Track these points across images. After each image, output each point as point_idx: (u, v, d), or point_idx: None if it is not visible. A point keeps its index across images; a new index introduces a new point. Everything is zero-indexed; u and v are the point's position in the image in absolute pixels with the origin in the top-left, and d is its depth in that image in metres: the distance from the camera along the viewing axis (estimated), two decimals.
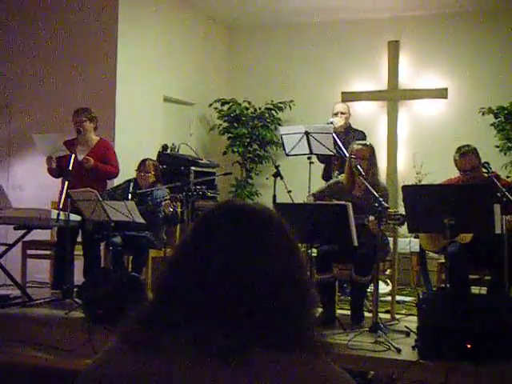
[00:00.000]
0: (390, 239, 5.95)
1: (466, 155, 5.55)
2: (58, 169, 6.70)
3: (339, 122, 7.31)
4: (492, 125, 8.42)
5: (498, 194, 4.93)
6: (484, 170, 5.40)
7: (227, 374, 1.23)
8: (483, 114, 8.44)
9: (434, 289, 5.83)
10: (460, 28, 9.18)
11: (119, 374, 1.27)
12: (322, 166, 7.43)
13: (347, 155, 6.13)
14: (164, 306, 1.31)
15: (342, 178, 6.06)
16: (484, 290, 5.59)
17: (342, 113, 7.40)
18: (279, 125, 9.20)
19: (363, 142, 6.01)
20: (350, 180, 5.89)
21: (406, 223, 5.20)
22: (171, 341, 1.26)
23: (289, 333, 1.27)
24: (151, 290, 1.38)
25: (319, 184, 6.53)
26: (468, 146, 5.64)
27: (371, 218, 5.35)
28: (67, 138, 6.70)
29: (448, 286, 5.07)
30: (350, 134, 7.25)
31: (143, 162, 6.83)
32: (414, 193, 5.19)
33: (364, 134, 7.30)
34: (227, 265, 1.28)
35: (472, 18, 9.12)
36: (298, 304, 1.30)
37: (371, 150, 5.89)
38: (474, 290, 5.63)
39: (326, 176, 7.19)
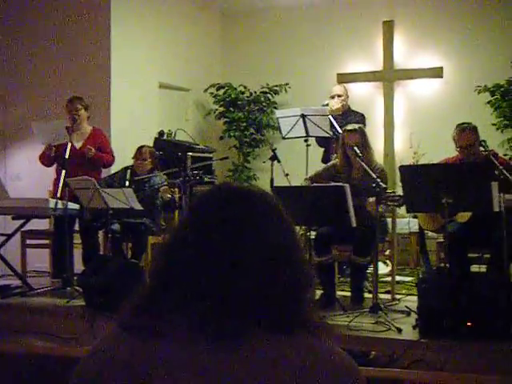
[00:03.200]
0: (389, 220, 5.95)
1: (464, 131, 5.55)
2: (52, 157, 6.70)
3: (335, 104, 7.27)
4: (488, 103, 8.40)
5: (496, 172, 4.93)
6: (481, 149, 5.40)
7: (225, 356, 1.23)
8: (479, 93, 8.41)
9: (434, 268, 5.83)
10: (454, 6, 9.13)
11: (118, 360, 1.27)
12: (321, 149, 7.41)
13: None
14: (160, 290, 1.31)
15: (336, 160, 6.05)
16: (484, 268, 5.60)
17: (338, 95, 7.36)
18: (275, 108, 9.17)
19: (351, 128, 5.91)
20: (345, 163, 5.88)
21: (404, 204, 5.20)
22: (169, 325, 1.27)
23: (286, 314, 1.28)
24: (148, 275, 1.38)
25: (317, 167, 6.52)
26: (468, 123, 5.63)
27: (370, 199, 5.34)
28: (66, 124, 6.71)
29: (447, 265, 5.07)
30: (348, 116, 7.20)
31: (140, 149, 6.82)
32: (411, 173, 5.19)
33: (363, 115, 7.26)
34: (223, 247, 1.28)
35: None
36: (294, 284, 1.30)
37: (361, 133, 5.84)
38: (474, 268, 5.63)
39: (326, 159, 7.17)
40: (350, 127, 5.93)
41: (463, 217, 5.39)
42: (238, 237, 1.29)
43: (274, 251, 1.30)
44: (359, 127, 5.94)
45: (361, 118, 7.09)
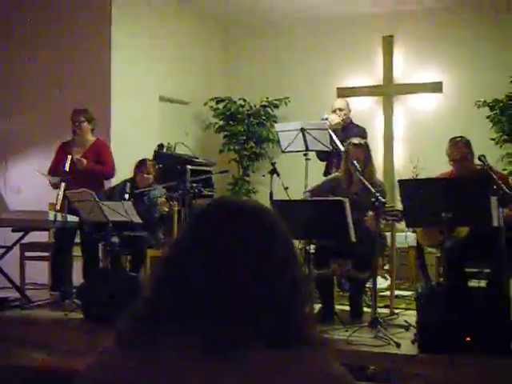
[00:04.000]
0: (388, 234, 5.96)
1: (457, 144, 5.58)
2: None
3: (336, 118, 7.26)
4: (487, 118, 8.41)
5: (494, 187, 4.93)
6: (479, 163, 5.40)
7: (223, 370, 1.23)
8: (478, 107, 8.43)
9: (433, 283, 5.83)
10: (454, 22, 9.17)
11: (116, 376, 1.27)
12: (320, 163, 7.40)
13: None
14: (160, 303, 1.32)
15: (338, 174, 6.06)
16: (484, 283, 5.59)
17: (340, 109, 7.35)
18: (275, 122, 9.18)
19: (357, 142, 5.94)
20: (347, 176, 5.89)
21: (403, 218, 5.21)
22: (168, 339, 1.27)
23: (285, 328, 1.28)
24: (147, 288, 1.39)
25: (316, 180, 6.52)
26: (461, 137, 5.66)
27: (370, 213, 5.35)
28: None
29: (446, 279, 5.07)
30: (350, 130, 7.18)
31: (143, 162, 6.82)
32: (410, 187, 5.19)
33: (364, 129, 7.26)
34: (221, 261, 1.29)
35: (465, 12, 9.10)
36: (292, 298, 1.31)
37: (365, 149, 5.87)
38: (474, 283, 5.62)
39: (328, 173, 7.17)
40: (355, 141, 5.95)
41: (461, 232, 5.39)
42: (237, 251, 1.30)
43: (272, 266, 1.31)
44: (364, 142, 5.98)
45: (362, 132, 7.09)
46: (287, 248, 1.37)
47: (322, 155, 7.21)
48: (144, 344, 1.28)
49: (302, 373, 1.24)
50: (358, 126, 7.38)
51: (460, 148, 5.56)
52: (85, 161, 6.64)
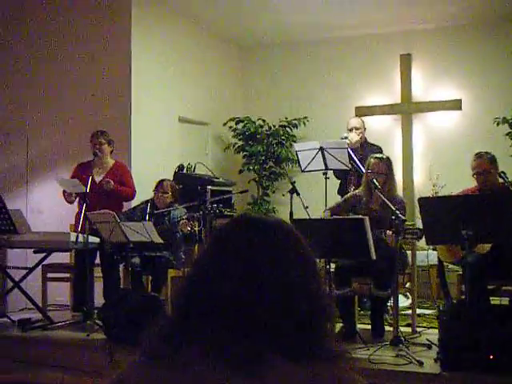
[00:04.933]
0: (409, 252, 5.93)
1: (481, 157, 5.60)
2: (75, 195, 6.77)
3: (354, 137, 7.29)
4: (507, 134, 8.38)
5: None
6: (500, 180, 5.39)
7: None
8: (498, 124, 8.41)
9: (454, 301, 5.79)
10: (471, 39, 9.18)
11: None
12: (338, 181, 7.42)
13: (363, 170, 6.15)
14: (184, 320, 1.33)
15: (359, 191, 6.06)
16: (503, 301, 5.55)
17: (356, 128, 7.39)
18: (294, 141, 9.21)
19: (379, 156, 5.99)
20: (368, 194, 5.89)
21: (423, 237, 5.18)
22: (192, 354, 1.28)
23: (307, 343, 1.29)
24: (171, 306, 1.40)
25: (335, 199, 6.53)
26: (486, 152, 5.67)
27: (389, 232, 5.33)
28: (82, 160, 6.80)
29: (468, 297, 5.04)
30: (366, 148, 7.23)
31: (161, 182, 6.87)
32: (430, 205, 5.17)
33: (380, 148, 7.27)
34: (244, 277, 1.30)
35: (482, 29, 9.12)
36: (312, 315, 1.31)
37: (388, 163, 5.89)
38: (493, 300, 5.58)
39: (342, 191, 7.19)
40: (378, 155, 5.99)
41: (483, 248, 5.36)
42: (259, 267, 1.31)
43: (294, 282, 1.32)
44: (387, 156, 5.99)
45: (378, 151, 7.10)
46: (309, 262, 1.38)
47: (338, 173, 7.21)
48: (169, 361, 1.29)
49: None
50: (373, 144, 7.40)
51: (483, 161, 5.57)
52: (112, 182, 6.71)
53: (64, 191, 6.80)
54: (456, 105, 9.17)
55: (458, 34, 9.22)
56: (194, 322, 1.31)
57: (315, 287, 1.36)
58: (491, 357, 4.27)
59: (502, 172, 5.40)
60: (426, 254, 7.56)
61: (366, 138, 7.46)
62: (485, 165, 5.57)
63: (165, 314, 1.40)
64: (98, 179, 6.82)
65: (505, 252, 5.18)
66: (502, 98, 8.86)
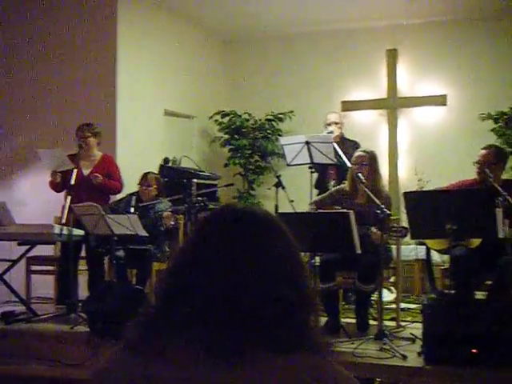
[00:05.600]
0: (393, 246, 5.95)
1: (487, 149, 5.64)
2: (61, 183, 6.72)
3: (335, 131, 7.33)
4: (492, 130, 8.42)
5: (500, 199, 4.94)
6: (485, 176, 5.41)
7: (228, 375, 1.24)
8: (483, 120, 8.45)
9: (439, 294, 5.81)
10: (457, 35, 9.21)
11: (125, 378, 1.28)
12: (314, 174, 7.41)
13: (347, 164, 6.16)
14: (166, 309, 1.33)
15: (344, 185, 6.08)
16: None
17: (335, 123, 7.42)
18: (280, 135, 9.20)
19: (364, 149, 6.04)
20: (353, 188, 5.91)
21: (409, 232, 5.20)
22: (174, 344, 1.28)
23: (288, 335, 1.28)
24: (153, 296, 1.40)
25: (320, 193, 6.54)
26: (496, 145, 5.73)
27: (374, 229, 5.35)
28: (68, 153, 6.74)
29: (452, 291, 5.06)
30: (344, 143, 7.27)
31: (145, 175, 6.86)
32: (415, 199, 5.19)
33: (357, 143, 7.29)
34: (228, 267, 1.30)
35: (469, 25, 9.15)
36: (297, 305, 1.31)
37: (372, 156, 5.91)
38: (478, 295, 5.61)
39: (320, 185, 7.20)
40: (362, 149, 6.07)
41: (473, 242, 5.38)
42: (242, 256, 1.31)
43: (278, 273, 1.32)
44: (371, 150, 6.01)
45: (356, 146, 7.10)
46: (294, 253, 1.38)
47: (317, 166, 7.16)
48: (151, 350, 1.28)
49: (309, 377, 1.24)
50: (350, 139, 7.44)
51: (488, 152, 5.61)
52: (101, 177, 6.69)
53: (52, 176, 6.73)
54: (441, 100, 9.20)
55: (444, 30, 9.25)
56: (176, 313, 1.31)
57: (299, 279, 1.36)
58: (474, 351, 4.30)
59: (487, 168, 5.43)
60: (412, 249, 7.60)
61: (343, 133, 7.49)
62: (486, 157, 5.59)
63: (147, 304, 1.38)
64: (85, 172, 6.79)
65: (492, 247, 5.20)
66: (487, 94, 8.89)
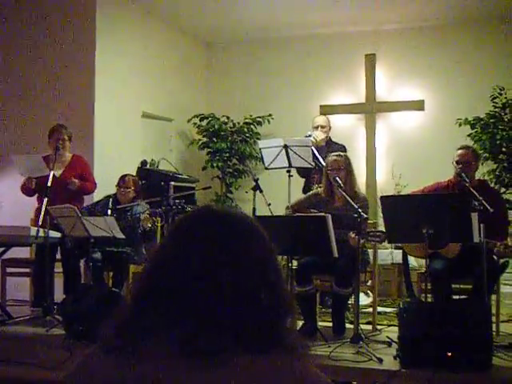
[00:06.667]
0: (370, 250, 5.97)
1: (465, 149, 5.70)
2: (35, 188, 6.68)
3: (320, 135, 7.33)
4: (469, 135, 8.48)
5: (476, 203, 4.97)
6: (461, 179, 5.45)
7: (206, 375, 1.24)
8: (460, 125, 8.50)
9: (416, 298, 5.84)
10: (435, 41, 9.28)
11: (100, 379, 1.28)
12: (302, 179, 7.43)
13: None
14: (142, 310, 1.32)
15: (320, 190, 6.09)
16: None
17: (322, 126, 7.44)
18: (258, 139, 9.21)
19: (337, 153, 6.05)
20: (329, 192, 5.93)
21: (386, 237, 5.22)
22: (149, 344, 1.27)
23: (266, 335, 1.28)
24: (129, 296, 1.39)
25: (298, 197, 6.55)
26: (472, 147, 5.82)
27: (352, 234, 5.35)
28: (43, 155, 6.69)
29: (430, 295, 5.09)
30: (330, 147, 7.27)
31: (123, 177, 6.82)
32: (392, 203, 5.22)
33: (344, 147, 7.31)
34: (205, 268, 1.30)
35: (446, 31, 9.23)
36: (274, 307, 1.32)
37: (346, 160, 5.93)
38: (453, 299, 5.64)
39: (306, 190, 7.21)
40: (336, 153, 6.07)
41: (451, 252, 5.40)
42: (219, 257, 1.31)
43: (254, 272, 1.32)
44: (344, 154, 6.04)
45: (342, 149, 7.13)
46: (271, 255, 1.38)
47: (302, 172, 7.23)
48: (125, 351, 1.28)
49: (283, 377, 1.24)
50: (337, 143, 7.44)
51: (465, 153, 5.66)
52: (77, 181, 6.66)
53: (25, 180, 6.68)
54: (419, 105, 9.26)
55: (422, 35, 9.31)
56: (151, 313, 1.30)
57: (276, 280, 1.36)
58: (449, 354, 4.32)
59: (462, 171, 5.47)
60: (389, 253, 7.63)
61: (330, 137, 7.50)
62: (465, 157, 5.63)
63: (122, 304, 1.38)
64: (56, 174, 6.72)
65: (469, 253, 5.22)
66: (464, 100, 8.97)
